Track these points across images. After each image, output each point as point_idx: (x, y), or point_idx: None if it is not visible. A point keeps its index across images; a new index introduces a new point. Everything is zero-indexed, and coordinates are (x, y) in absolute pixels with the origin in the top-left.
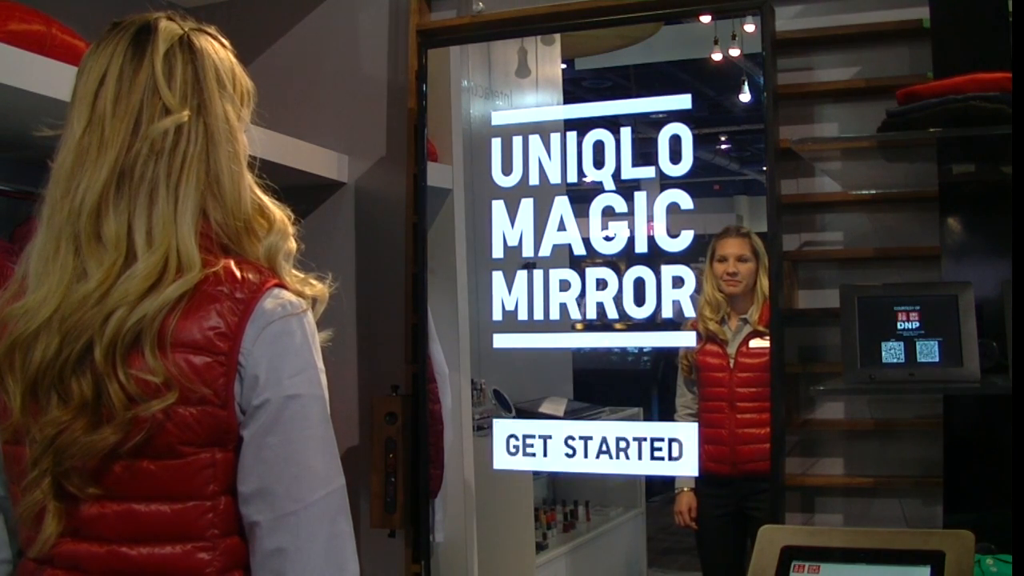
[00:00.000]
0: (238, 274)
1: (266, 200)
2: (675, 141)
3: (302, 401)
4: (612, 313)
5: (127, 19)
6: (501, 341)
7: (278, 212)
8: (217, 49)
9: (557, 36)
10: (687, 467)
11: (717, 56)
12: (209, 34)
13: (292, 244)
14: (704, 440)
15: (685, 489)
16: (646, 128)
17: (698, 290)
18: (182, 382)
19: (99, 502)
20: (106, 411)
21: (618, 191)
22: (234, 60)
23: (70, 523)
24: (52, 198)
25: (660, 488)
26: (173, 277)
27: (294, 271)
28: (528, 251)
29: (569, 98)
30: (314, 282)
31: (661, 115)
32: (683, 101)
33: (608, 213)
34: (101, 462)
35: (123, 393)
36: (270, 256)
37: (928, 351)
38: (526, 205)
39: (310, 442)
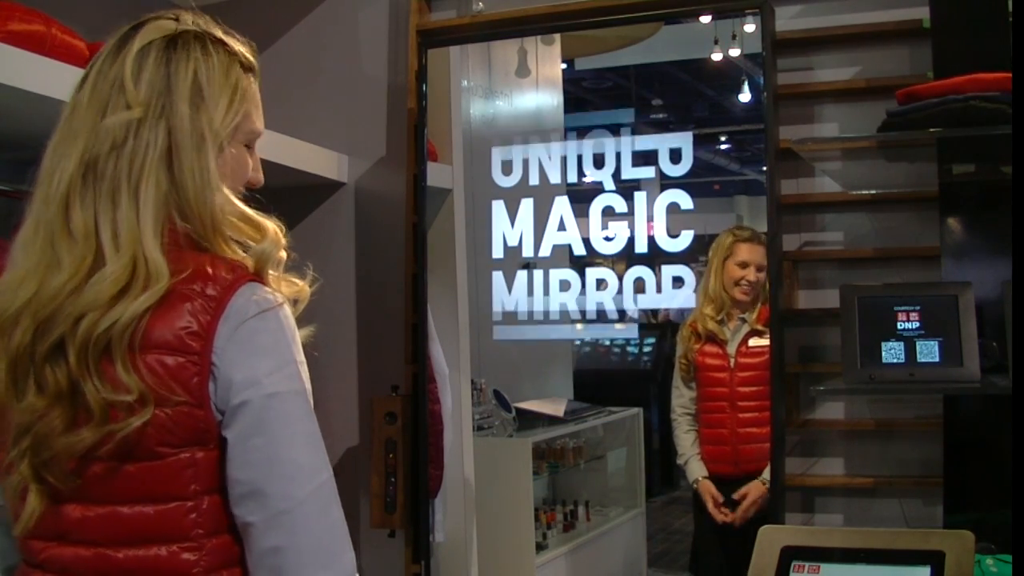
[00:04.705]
0: (210, 271)
1: (251, 212)
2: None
3: (283, 398)
4: (612, 313)
5: (148, 15)
6: (501, 333)
7: (270, 224)
8: (212, 56)
9: (557, 36)
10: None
11: (717, 56)
12: (216, 39)
13: (283, 255)
14: (705, 440)
15: (701, 478)
16: (646, 128)
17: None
18: (157, 390)
19: (83, 505)
20: (83, 407)
21: (618, 191)
22: (237, 71)
23: (57, 527)
24: (37, 182)
25: (660, 488)
26: (142, 287)
27: (274, 272)
28: (528, 251)
29: (569, 98)
30: (295, 280)
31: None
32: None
33: (608, 213)
34: (81, 464)
35: (99, 396)
36: (259, 262)
37: (928, 351)
38: (526, 205)
39: (295, 438)
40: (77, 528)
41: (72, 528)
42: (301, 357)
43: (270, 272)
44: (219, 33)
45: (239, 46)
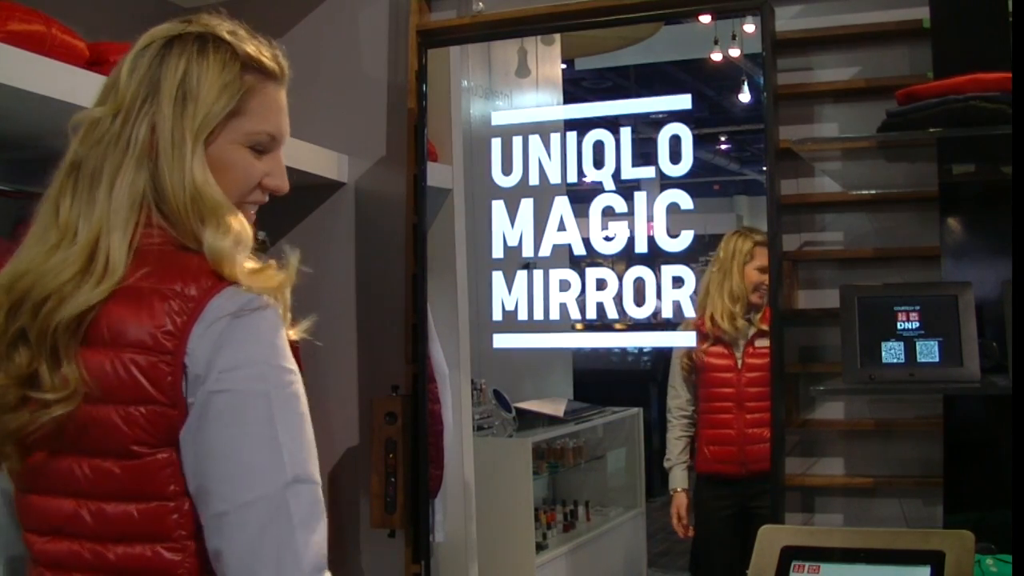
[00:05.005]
0: (195, 271)
1: (229, 211)
2: (675, 141)
3: (238, 396)
4: (612, 313)
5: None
6: (501, 341)
7: (222, 216)
8: (208, 55)
9: (557, 36)
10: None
11: (717, 56)
12: (220, 40)
13: (236, 243)
14: (708, 441)
15: (678, 489)
16: (646, 128)
17: (699, 290)
18: (100, 386)
19: (76, 500)
20: (37, 387)
21: (618, 191)
22: (233, 71)
23: (51, 521)
24: None
25: (660, 488)
26: (98, 279)
27: (248, 263)
28: (528, 251)
29: (569, 98)
30: (273, 272)
31: (661, 115)
32: (683, 101)
33: (608, 213)
34: (21, 449)
35: (50, 386)
36: (214, 261)
37: (928, 351)
38: (526, 205)
39: (246, 439)
40: (71, 523)
41: (66, 523)
42: (281, 361)
43: (244, 267)
44: (225, 33)
45: (251, 48)
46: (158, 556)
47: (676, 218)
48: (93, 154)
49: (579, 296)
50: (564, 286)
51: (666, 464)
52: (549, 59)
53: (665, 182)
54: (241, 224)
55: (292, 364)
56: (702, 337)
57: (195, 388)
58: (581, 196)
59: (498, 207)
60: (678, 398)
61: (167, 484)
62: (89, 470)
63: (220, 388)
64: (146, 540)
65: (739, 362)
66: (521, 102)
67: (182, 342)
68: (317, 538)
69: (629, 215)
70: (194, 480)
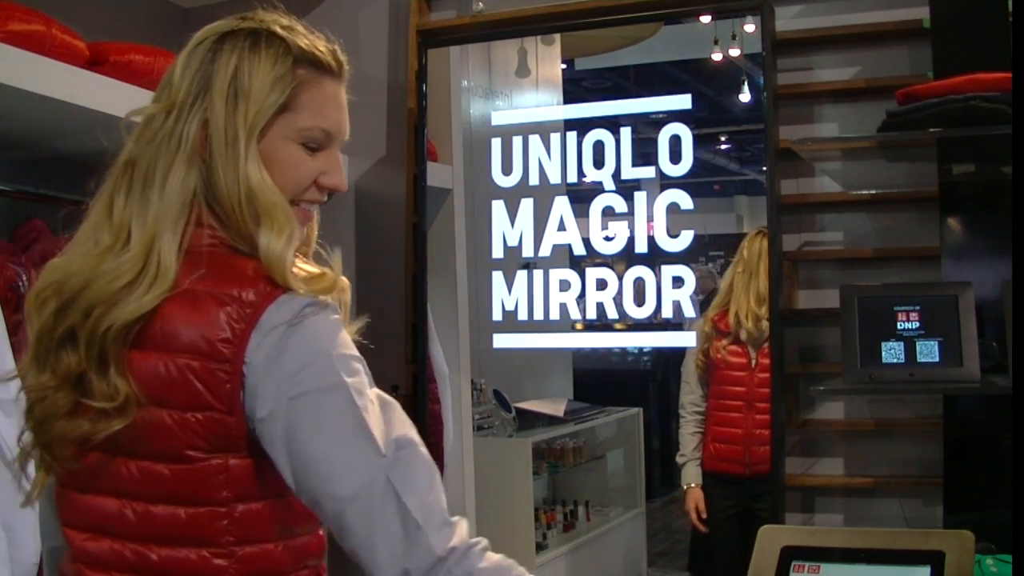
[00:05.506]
0: (252, 275)
1: (285, 210)
2: (675, 141)
3: (310, 397)
4: (612, 313)
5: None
6: (501, 341)
7: (279, 215)
8: (260, 51)
9: (557, 36)
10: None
11: (717, 56)
12: (273, 35)
13: (286, 244)
14: (714, 439)
15: (692, 485)
16: (646, 128)
17: (699, 290)
18: (152, 389)
19: (119, 499)
20: (88, 393)
21: (618, 191)
22: (285, 66)
23: (91, 519)
24: None
25: (660, 489)
26: (148, 284)
27: (305, 267)
28: (528, 251)
29: (569, 98)
30: (331, 277)
31: (661, 115)
32: (683, 101)
33: (608, 213)
34: (79, 451)
35: (99, 388)
36: (268, 266)
37: (928, 351)
38: (526, 205)
39: (335, 435)
40: (113, 522)
41: (108, 522)
42: (345, 350)
43: (300, 271)
44: (278, 29)
45: (304, 42)
46: (204, 560)
47: (676, 218)
48: (146, 152)
49: (579, 296)
50: (564, 286)
51: (679, 460)
52: (549, 59)
53: (665, 182)
54: (298, 226)
55: (356, 351)
56: (720, 335)
57: (256, 401)
58: (581, 196)
59: (498, 207)
60: (692, 394)
61: (219, 490)
62: (137, 471)
63: (296, 392)
64: (191, 544)
65: (753, 362)
66: (521, 102)
67: (240, 350)
68: (433, 496)
69: (629, 215)
70: (303, 492)
